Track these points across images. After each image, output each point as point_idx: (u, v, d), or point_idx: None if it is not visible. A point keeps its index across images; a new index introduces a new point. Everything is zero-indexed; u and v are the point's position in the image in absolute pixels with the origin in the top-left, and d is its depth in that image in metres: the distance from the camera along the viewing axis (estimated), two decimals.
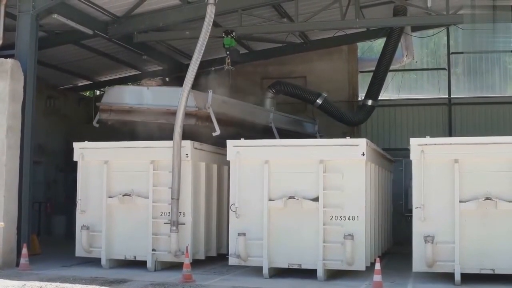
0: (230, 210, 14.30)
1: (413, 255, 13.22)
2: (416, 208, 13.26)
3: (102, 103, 17.21)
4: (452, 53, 24.92)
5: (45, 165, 22.87)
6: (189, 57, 16.78)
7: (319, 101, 21.50)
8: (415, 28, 23.05)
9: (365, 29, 22.72)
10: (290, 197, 13.79)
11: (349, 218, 13.51)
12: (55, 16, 16.65)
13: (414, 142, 13.54)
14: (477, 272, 12.89)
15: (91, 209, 15.48)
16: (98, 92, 29.61)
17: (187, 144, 14.78)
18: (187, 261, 13.39)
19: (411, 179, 13.75)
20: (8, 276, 13.40)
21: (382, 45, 21.95)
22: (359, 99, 23.90)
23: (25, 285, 12.53)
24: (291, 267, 13.87)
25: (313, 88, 22.91)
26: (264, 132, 19.14)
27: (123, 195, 15.15)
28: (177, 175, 14.48)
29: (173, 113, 15.23)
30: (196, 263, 14.67)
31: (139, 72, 26.02)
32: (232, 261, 14.06)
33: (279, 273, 14.10)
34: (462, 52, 25.01)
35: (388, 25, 20.88)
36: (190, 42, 20.81)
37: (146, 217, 14.93)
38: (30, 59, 15.72)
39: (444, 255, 12.94)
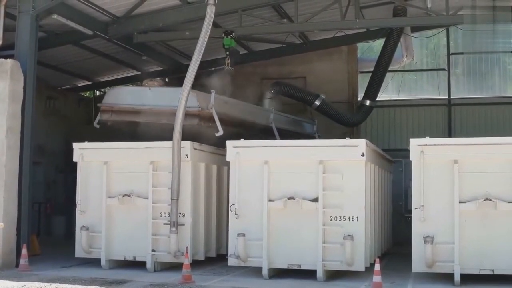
0: (229, 210, 14.30)
1: (412, 255, 13.21)
2: (415, 208, 13.26)
3: (103, 104, 17.18)
4: (452, 53, 24.93)
5: (45, 165, 22.87)
6: (189, 58, 16.80)
7: (317, 102, 21.59)
8: (414, 29, 23.06)
9: (365, 30, 22.73)
10: (289, 198, 13.79)
11: (348, 219, 13.52)
12: (55, 16, 16.65)
13: (413, 142, 13.54)
14: (477, 272, 12.88)
15: (91, 210, 15.47)
16: (98, 93, 29.61)
17: (187, 144, 14.78)
18: (186, 261, 13.38)
19: (410, 179, 13.76)
20: (8, 277, 13.39)
21: (382, 45, 21.96)
22: (359, 99, 23.89)
23: (24, 285, 12.52)
24: (290, 268, 13.87)
25: (313, 88, 22.95)
26: (265, 132, 19.16)
27: (123, 196, 15.14)
28: (176, 176, 14.48)
29: (174, 114, 15.25)
30: (195, 264, 14.66)
31: (139, 73, 26.03)
32: (231, 261, 14.05)
33: (278, 273, 14.10)
34: (462, 53, 25.01)
35: (387, 25, 20.88)
36: (190, 43, 20.81)
37: (146, 218, 14.93)
38: (30, 59, 15.71)
39: (443, 255, 12.94)
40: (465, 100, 24.48)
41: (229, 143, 14.48)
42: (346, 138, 14.41)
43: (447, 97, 24.72)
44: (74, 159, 15.79)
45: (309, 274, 13.61)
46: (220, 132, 16.07)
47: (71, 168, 17.66)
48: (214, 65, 22.50)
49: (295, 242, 13.77)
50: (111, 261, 15.27)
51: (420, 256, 13.00)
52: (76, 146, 15.84)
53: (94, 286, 12.62)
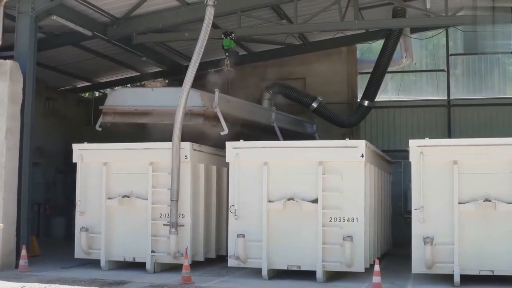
0: (229, 211, 14.30)
1: (412, 256, 13.22)
2: (415, 209, 13.26)
3: (105, 106, 17.15)
4: (451, 54, 24.91)
5: (44, 166, 22.86)
6: (189, 59, 16.80)
7: (314, 104, 21.70)
8: (414, 30, 23.07)
9: (364, 31, 22.73)
10: (289, 199, 13.80)
11: (348, 220, 13.52)
12: (54, 17, 16.65)
13: (413, 143, 13.54)
14: (476, 273, 12.89)
15: (90, 211, 15.47)
16: (97, 94, 29.62)
17: (186, 145, 14.78)
18: (186, 262, 13.38)
19: (410, 180, 13.76)
20: (7, 278, 13.39)
21: (381, 46, 21.97)
22: (358, 100, 23.90)
23: (24, 286, 12.53)
24: (290, 269, 13.87)
25: (312, 89, 22.97)
26: (267, 132, 19.15)
27: (122, 197, 15.14)
28: (176, 177, 14.48)
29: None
30: (195, 265, 14.65)
31: (138, 74, 26.05)
32: (231, 262, 14.05)
33: (278, 274, 14.09)
34: (461, 54, 25.01)
35: (387, 26, 20.89)
36: (190, 44, 20.80)
37: (145, 219, 14.92)
38: (29, 60, 15.72)
39: (443, 256, 12.94)
40: (464, 101, 24.46)
41: (228, 144, 14.49)
42: (346, 139, 14.42)
43: (446, 98, 24.70)
44: (74, 160, 15.79)
45: (309, 275, 13.61)
46: (225, 131, 16.05)
47: (70, 169, 17.64)
48: (214, 66, 22.50)
49: (295, 243, 13.77)
50: (110, 262, 15.27)
51: (420, 257, 13.00)
52: (75, 147, 15.83)
53: (93, 287, 12.62)
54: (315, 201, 13.66)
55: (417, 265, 13.14)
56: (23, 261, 14.58)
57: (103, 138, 16.42)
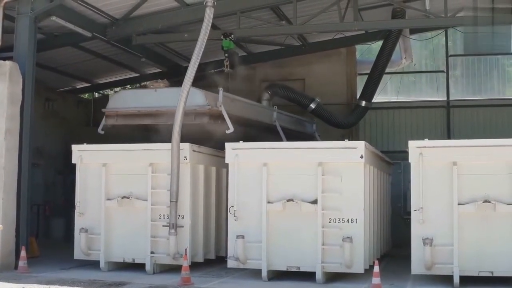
0: (228, 212, 14.29)
1: (411, 257, 13.22)
2: (414, 210, 13.26)
3: (108, 109, 17.13)
4: (451, 55, 24.93)
5: (43, 167, 22.85)
6: (188, 60, 16.80)
7: (312, 105, 21.70)
8: (413, 31, 23.08)
9: (363, 32, 22.73)
10: (288, 200, 13.79)
11: (347, 221, 13.51)
12: (54, 18, 16.65)
13: (412, 144, 13.54)
14: (476, 274, 12.89)
15: (90, 212, 15.47)
16: (97, 95, 29.62)
17: (186, 146, 14.78)
18: (185, 263, 13.38)
19: (409, 181, 13.75)
20: (7, 279, 13.38)
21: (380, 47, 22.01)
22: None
23: (23, 287, 12.51)
24: (289, 270, 13.86)
25: (311, 90, 22.98)
26: (268, 131, 19.14)
27: (122, 198, 15.13)
28: (175, 178, 14.47)
29: (184, 114, 15.30)
30: (194, 266, 14.64)
31: (138, 75, 26.06)
32: (230, 263, 14.05)
33: (278, 275, 14.09)
34: (460, 55, 25.02)
35: (386, 27, 20.90)
36: (189, 45, 20.79)
37: (145, 220, 14.91)
38: (28, 61, 15.71)
39: (442, 257, 12.93)
40: (464, 102, 24.48)
41: (228, 145, 14.49)
42: (345, 140, 14.41)
43: (446, 99, 24.72)
44: (73, 161, 15.78)
45: (308, 276, 13.60)
46: (231, 129, 16.04)
47: (70, 170, 17.63)
48: (213, 67, 22.50)
49: (294, 244, 13.76)
50: (110, 263, 15.25)
51: (419, 258, 13.00)
52: (75, 148, 15.82)
53: None
54: (315, 202, 13.66)
55: (417, 266, 13.14)
56: (22, 262, 14.57)
57: (103, 139, 16.42)
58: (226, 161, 14.54)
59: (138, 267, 14.96)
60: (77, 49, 21.28)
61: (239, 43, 21.63)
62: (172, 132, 14.53)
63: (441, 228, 13.05)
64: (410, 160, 13.52)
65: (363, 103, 22.58)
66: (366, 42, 24.11)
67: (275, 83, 22.11)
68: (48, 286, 12.70)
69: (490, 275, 12.84)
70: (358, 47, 25.00)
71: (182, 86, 14.78)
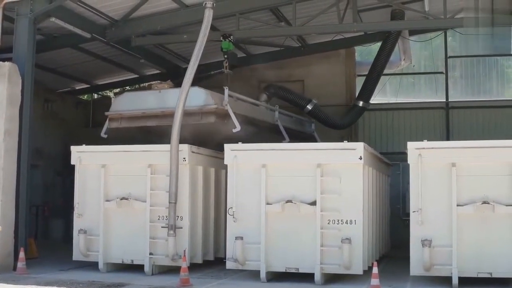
0: (227, 214, 14.29)
1: (410, 259, 13.22)
2: (413, 211, 13.26)
3: (111, 112, 17.10)
4: (450, 56, 24.95)
5: (42, 168, 22.85)
6: (187, 61, 16.79)
7: (309, 106, 21.73)
8: (412, 32, 23.09)
9: (362, 33, 22.76)
10: (287, 201, 13.79)
11: (346, 222, 13.51)
12: (53, 19, 16.65)
13: (411, 146, 13.54)
14: (475, 276, 12.88)
15: (89, 213, 15.46)
16: (96, 96, 29.63)
17: (185, 148, 14.78)
18: (184, 265, 13.38)
19: (408, 182, 13.75)
20: (5, 280, 13.38)
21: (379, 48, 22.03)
22: None
23: None
24: (288, 271, 13.85)
25: (311, 92, 22.99)
26: (270, 130, 19.13)
27: (121, 199, 15.12)
28: (174, 179, 14.46)
29: (189, 114, 15.32)
30: (193, 267, 14.65)
31: (137, 76, 26.07)
32: (229, 265, 14.05)
33: (276, 277, 14.09)
34: (460, 56, 25.04)
35: (385, 29, 20.93)
36: (188, 46, 20.83)
37: (144, 221, 14.90)
38: (28, 62, 15.71)
39: (441, 259, 12.94)
40: (463, 103, 24.50)
41: (227, 147, 14.48)
42: (344, 141, 14.41)
43: (445, 100, 24.73)
44: (72, 162, 15.77)
45: (307, 277, 13.60)
46: (238, 128, 16.04)
47: (69, 171, 17.63)
48: (213, 68, 22.52)
49: (293, 245, 13.76)
50: (109, 264, 15.24)
51: (418, 259, 13.01)
52: (73, 149, 15.81)
53: None
54: (314, 203, 13.66)
55: (415, 267, 13.14)
56: (21, 263, 14.56)
57: (102, 140, 16.41)
58: (225, 163, 14.54)
59: (137, 268, 14.95)
60: (76, 50, 21.29)
61: (238, 44, 21.62)
62: (171, 133, 14.52)
63: (440, 229, 13.05)
64: (409, 162, 13.52)
65: (361, 104, 22.64)
66: (365, 44, 24.13)
67: (273, 84, 22.12)
68: (47, 287, 12.69)
69: (489, 276, 12.84)
70: (357, 48, 25.02)
71: (181, 87, 14.79)
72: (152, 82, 24.49)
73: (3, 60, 15.46)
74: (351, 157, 13.63)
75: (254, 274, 14.03)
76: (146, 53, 21.95)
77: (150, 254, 14.77)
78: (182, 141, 14.76)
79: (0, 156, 14.90)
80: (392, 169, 20.49)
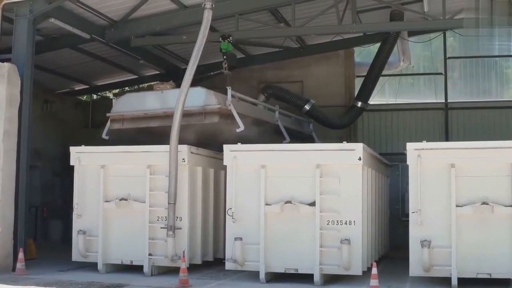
0: (226, 214, 14.29)
1: (410, 259, 13.22)
2: (412, 212, 13.26)
3: (113, 113, 17.07)
4: (449, 57, 24.96)
5: (41, 169, 22.84)
6: (186, 62, 16.79)
7: (307, 107, 21.72)
8: (412, 33, 23.10)
9: (361, 34, 22.76)
10: (286, 202, 13.78)
11: (345, 223, 13.50)
12: (52, 20, 16.64)
13: (410, 146, 13.55)
14: (474, 276, 12.88)
15: (88, 214, 15.45)
16: (95, 96, 29.62)
17: (184, 148, 14.77)
18: (183, 265, 13.38)
19: (407, 183, 13.75)
20: (5, 281, 13.37)
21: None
22: None
23: None
24: (287, 272, 13.84)
25: (310, 92, 23.01)
26: (271, 131, 19.12)
27: (120, 200, 15.12)
28: (173, 180, 14.46)
29: (193, 114, 15.30)
30: (192, 268, 14.65)
31: (136, 77, 26.06)
32: (228, 265, 14.05)
33: (275, 277, 14.09)
34: (459, 57, 25.05)
35: (384, 30, 20.93)
36: (187, 47, 20.86)
37: (143, 222, 14.89)
38: (27, 63, 15.70)
39: (441, 259, 12.94)
40: (462, 104, 24.50)
41: (226, 147, 14.48)
42: (343, 142, 14.41)
43: (444, 101, 24.74)
44: (71, 163, 15.77)
45: (306, 278, 13.60)
46: (241, 127, 16.04)
47: (68, 172, 17.61)
48: (212, 69, 22.50)
49: (292, 246, 13.76)
50: (108, 265, 15.23)
51: (417, 260, 13.01)
52: (73, 150, 15.80)
53: None
54: (313, 204, 13.66)
55: (415, 268, 13.14)
56: (20, 264, 14.55)
57: (101, 141, 16.40)
58: (224, 163, 14.53)
59: (136, 269, 14.94)
60: (76, 51, 21.28)
61: (237, 45, 21.62)
62: (171, 134, 14.52)
63: (439, 230, 13.06)
64: (408, 162, 13.52)
65: (359, 104, 22.65)
66: (365, 44, 24.14)
67: (271, 84, 22.13)
68: None
69: (488, 277, 12.84)
70: (357, 49, 25.02)
71: (181, 88, 14.79)
72: (152, 83, 24.58)
73: (3, 60, 15.46)
74: (350, 158, 13.63)
75: (253, 275, 14.03)
76: (145, 53, 21.95)
77: (149, 254, 14.76)
78: (185, 141, 14.77)
79: None
80: (391, 170, 20.51)
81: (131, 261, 15.06)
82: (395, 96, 25.13)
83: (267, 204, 13.93)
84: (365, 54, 25.12)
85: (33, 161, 18.22)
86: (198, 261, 15.18)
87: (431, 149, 13.46)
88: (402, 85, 25.37)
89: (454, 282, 12.73)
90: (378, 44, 22.42)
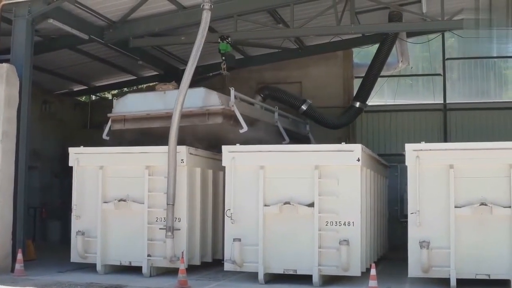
0: (225, 215, 14.29)
1: (408, 260, 13.22)
2: (411, 213, 13.27)
3: (114, 114, 17.06)
4: (448, 58, 24.97)
5: (40, 170, 22.81)
6: (185, 62, 16.79)
7: (303, 107, 21.71)
8: (410, 34, 23.11)
9: (360, 35, 22.77)
10: (285, 203, 13.79)
11: (344, 224, 13.51)
12: (51, 21, 16.62)
13: (409, 147, 13.55)
14: (473, 277, 12.89)
15: (86, 215, 15.45)
16: (94, 97, 29.61)
17: (183, 149, 14.77)
18: (182, 266, 13.38)
19: (406, 184, 13.74)
20: (3, 282, 13.35)
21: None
22: None
23: None
24: (286, 273, 13.85)
25: (308, 93, 23.01)
26: (270, 132, 19.10)
27: (119, 201, 15.11)
28: (172, 181, 14.46)
29: (195, 115, 15.32)
30: (191, 269, 14.65)
31: (135, 77, 26.06)
32: (227, 266, 14.05)
33: (274, 278, 14.09)
34: (457, 58, 25.06)
35: (383, 31, 20.94)
36: (186, 47, 20.86)
37: (142, 223, 14.89)
38: (25, 64, 15.69)
39: (439, 260, 12.95)
40: (460, 105, 24.50)
41: (224, 148, 14.48)
42: (342, 143, 14.42)
43: (442, 102, 24.75)
44: (70, 164, 15.76)
45: (305, 279, 13.60)
46: (245, 128, 16.03)
47: (66, 173, 17.59)
48: (210, 70, 22.50)
49: (291, 247, 13.76)
50: (106, 266, 15.23)
51: (416, 261, 13.01)
52: (71, 150, 15.80)
53: None
54: (311, 205, 13.66)
55: (414, 269, 13.14)
56: (19, 265, 14.53)
57: (100, 142, 16.38)
58: (223, 164, 14.54)
59: (135, 270, 14.94)
60: (74, 51, 21.27)
61: (236, 46, 21.62)
62: (169, 134, 14.52)
63: (438, 231, 13.06)
64: (406, 163, 13.53)
65: (357, 104, 22.60)
66: (363, 45, 24.14)
67: (267, 85, 22.13)
68: None
69: (487, 278, 12.85)
70: (355, 50, 25.02)
71: (179, 89, 14.79)
72: (151, 84, 24.59)
73: (1, 61, 15.44)
74: (349, 159, 13.63)
75: (252, 276, 14.03)
76: (144, 54, 21.94)
77: (148, 255, 14.76)
78: (187, 143, 14.75)
79: None
80: (390, 171, 20.49)
81: (130, 262, 15.05)
82: (394, 97, 25.13)
83: (265, 205, 13.94)
84: (363, 55, 25.12)
85: (32, 162, 18.19)
86: (196, 262, 15.18)
87: (430, 150, 13.47)
88: (401, 86, 25.36)
89: (453, 283, 12.73)
90: (376, 45, 22.42)
